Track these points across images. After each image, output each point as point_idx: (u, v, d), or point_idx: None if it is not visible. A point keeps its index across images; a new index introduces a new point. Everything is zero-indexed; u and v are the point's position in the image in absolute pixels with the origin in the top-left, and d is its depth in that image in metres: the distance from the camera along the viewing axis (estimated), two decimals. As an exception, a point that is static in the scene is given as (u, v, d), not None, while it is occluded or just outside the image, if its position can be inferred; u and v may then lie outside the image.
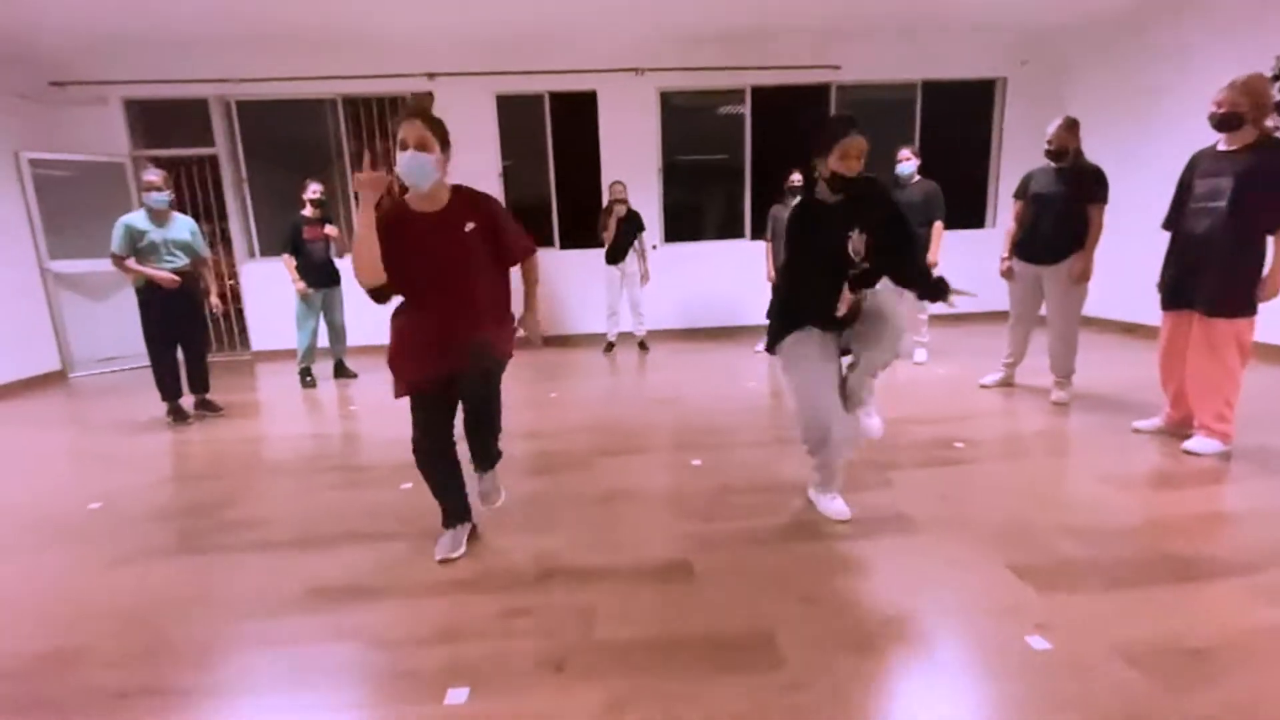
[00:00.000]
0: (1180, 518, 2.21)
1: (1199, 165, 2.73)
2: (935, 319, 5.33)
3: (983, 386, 3.95)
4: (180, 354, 3.92)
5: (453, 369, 1.93)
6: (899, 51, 5.91)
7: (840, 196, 2.08)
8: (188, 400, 4.04)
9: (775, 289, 2.24)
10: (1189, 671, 1.44)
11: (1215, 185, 2.61)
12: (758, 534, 2.18)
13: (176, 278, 3.67)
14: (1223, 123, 2.57)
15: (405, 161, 1.85)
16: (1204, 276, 2.66)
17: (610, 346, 5.72)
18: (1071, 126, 3.31)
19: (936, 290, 2.19)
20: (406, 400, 2.02)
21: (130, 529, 2.44)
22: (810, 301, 2.14)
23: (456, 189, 2.00)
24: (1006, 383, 3.93)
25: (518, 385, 4.65)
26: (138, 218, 3.62)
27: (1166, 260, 2.86)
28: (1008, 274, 3.70)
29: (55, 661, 1.64)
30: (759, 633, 1.63)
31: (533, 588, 1.89)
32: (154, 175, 3.65)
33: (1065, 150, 3.33)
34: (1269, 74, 2.57)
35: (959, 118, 6.29)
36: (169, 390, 3.91)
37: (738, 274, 6.07)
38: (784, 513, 2.34)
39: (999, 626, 1.63)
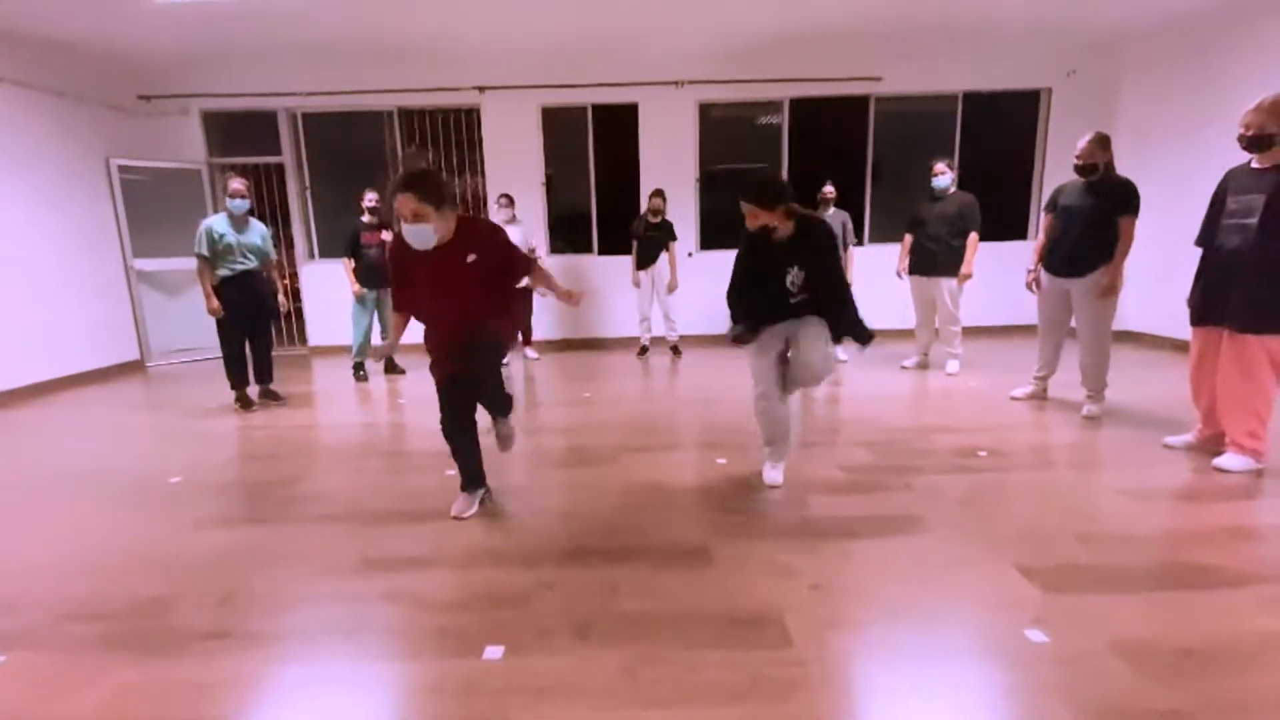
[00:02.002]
0: (1198, 530, 2.24)
1: (1233, 182, 2.74)
2: (969, 331, 5.32)
3: (1013, 399, 3.96)
4: (248, 346, 4.27)
5: (463, 370, 2.28)
6: (940, 63, 5.93)
7: (785, 237, 2.44)
8: (253, 389, 4.38)
9: (729, 294, 2.65)
10: (1177, 669, 1.51)
11: (1248, 202, 2.62)
12: (775, 527, 2.31)
13: (219, 307, 3.99)
14: (1252, 144, 2.60)
15: (406, 232, 2.12)
16: (1234, 293, 2.67)
17: (643, 350, 5.89)
18: (1102, 142, 3.32)
19: (859, 334, 2.55)
20: None
21: (207, 499, 2.72)
22: (755, 312, 2.56)
23: (461, 221, 2.22)
24: (1038, 396, 3.94)
25: (554, 385, 4.87)
26: (218, 221, 3.97)
27: (1197, 276, 2.87)
28: (1032, 286, 3.73)
29: (152, 604, 1.90)
30: (769, 614, 1.76)
31: (563, 564, 2.06)
32: (239, 184, 4.02)
33: (1095, 165, 3.34)
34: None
35: (1001, 129, 6.26)
36: (237, 379, 4.25)
37: (772, 282, 6.17)
38: (801, 509, 2.46)
39: (999, 619, 1.72)
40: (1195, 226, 2.90)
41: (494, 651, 1.63)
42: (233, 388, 4.27)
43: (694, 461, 3.07)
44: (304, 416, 4.13)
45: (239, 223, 4.05)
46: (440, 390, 2.38)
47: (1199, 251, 2.89)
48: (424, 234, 2.10)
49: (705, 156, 6.28)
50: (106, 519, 2.56)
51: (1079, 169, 3.40)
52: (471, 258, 2.19)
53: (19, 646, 1.71)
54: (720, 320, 6.50)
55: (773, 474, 2.71)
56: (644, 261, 5.62)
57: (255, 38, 5.30)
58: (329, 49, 5.62)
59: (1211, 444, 2.93)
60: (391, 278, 2.33)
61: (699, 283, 6.03)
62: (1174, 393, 3.91)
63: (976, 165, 5.93)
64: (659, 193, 5.51)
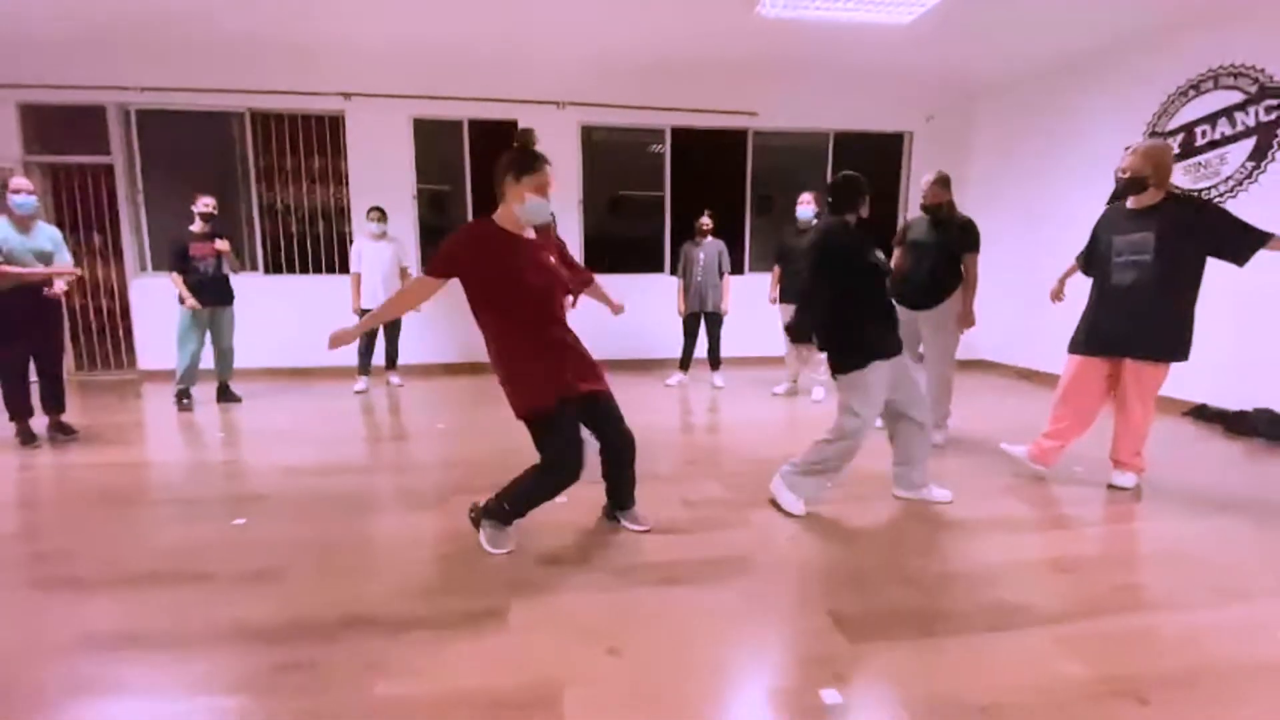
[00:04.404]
0: (1014, 563, 2.24)
1: (1113, 223, 2.86)
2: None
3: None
4: (34, 369, 3.64)
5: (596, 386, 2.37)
6: (813, 102, 6.15)
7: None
8: (40, 421, 3.73)
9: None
10: (966, 728, 1.43)
11: (1138, 240, 2.73)
12: (593, 579, 2.10)
13: (52, 283, 3.56)
14: (1129, 186, 2.73)
15: (533, 206, 2.17)
16: (1139, 324, 2.74)
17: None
18: (943, 182, 3.46)
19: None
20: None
21: (-94, 566, 2.19)
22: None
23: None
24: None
25: (409, 415, 4.50)
26: (-3, 225, 3.39)
27: (1090, 309, 2.94)
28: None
29: None
30: (549, 690, 1.54)
31: (324, 639, 1.75)
32: (22, 180, 3.50)
33: (939, 204, 3.48)
34: (1141, 140, 2.75)
35: (869, 169, 6.52)
36: (17, 409, 3.61)
37: (655, 308, 6.09)
38: (633, 554, 2.27)
39: (799, 678, 1.59)
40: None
41: (192, 763, 1.31)
42: (12, 418, 3.62)
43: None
44: (97, 453, 3.53)
45: (23, 225, 3.47)
46: (562, 418, 2.21)
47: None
48: (545, 208, 2.17)
49: (589, 182, 6.16)
50: None
51: (925, 208, 3.54)
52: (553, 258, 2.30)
53: None
54: (603, 344, 6.33)
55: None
56: None
57: (78, 25, 4.69)
58: (170, 40, 5.07)
59: (1042, 459, 3.02)
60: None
61: (585, 308, 5.84)
62: (1016, 419, 4.09)
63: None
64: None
